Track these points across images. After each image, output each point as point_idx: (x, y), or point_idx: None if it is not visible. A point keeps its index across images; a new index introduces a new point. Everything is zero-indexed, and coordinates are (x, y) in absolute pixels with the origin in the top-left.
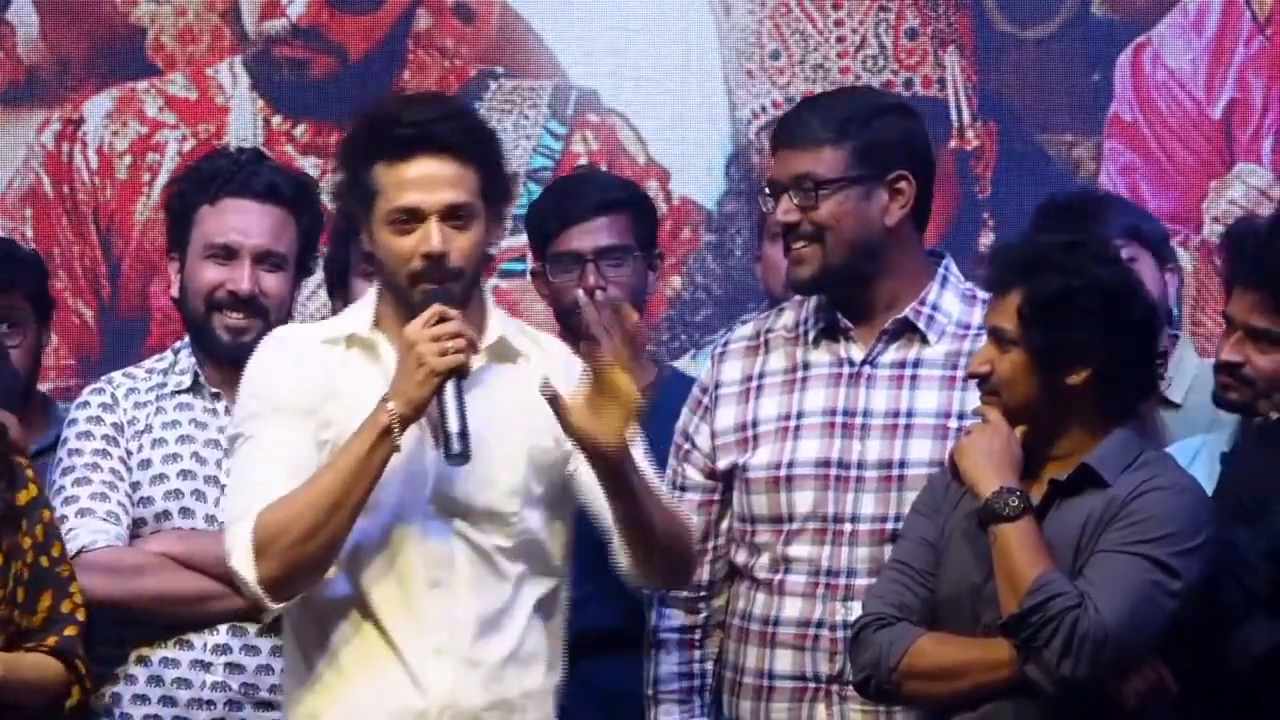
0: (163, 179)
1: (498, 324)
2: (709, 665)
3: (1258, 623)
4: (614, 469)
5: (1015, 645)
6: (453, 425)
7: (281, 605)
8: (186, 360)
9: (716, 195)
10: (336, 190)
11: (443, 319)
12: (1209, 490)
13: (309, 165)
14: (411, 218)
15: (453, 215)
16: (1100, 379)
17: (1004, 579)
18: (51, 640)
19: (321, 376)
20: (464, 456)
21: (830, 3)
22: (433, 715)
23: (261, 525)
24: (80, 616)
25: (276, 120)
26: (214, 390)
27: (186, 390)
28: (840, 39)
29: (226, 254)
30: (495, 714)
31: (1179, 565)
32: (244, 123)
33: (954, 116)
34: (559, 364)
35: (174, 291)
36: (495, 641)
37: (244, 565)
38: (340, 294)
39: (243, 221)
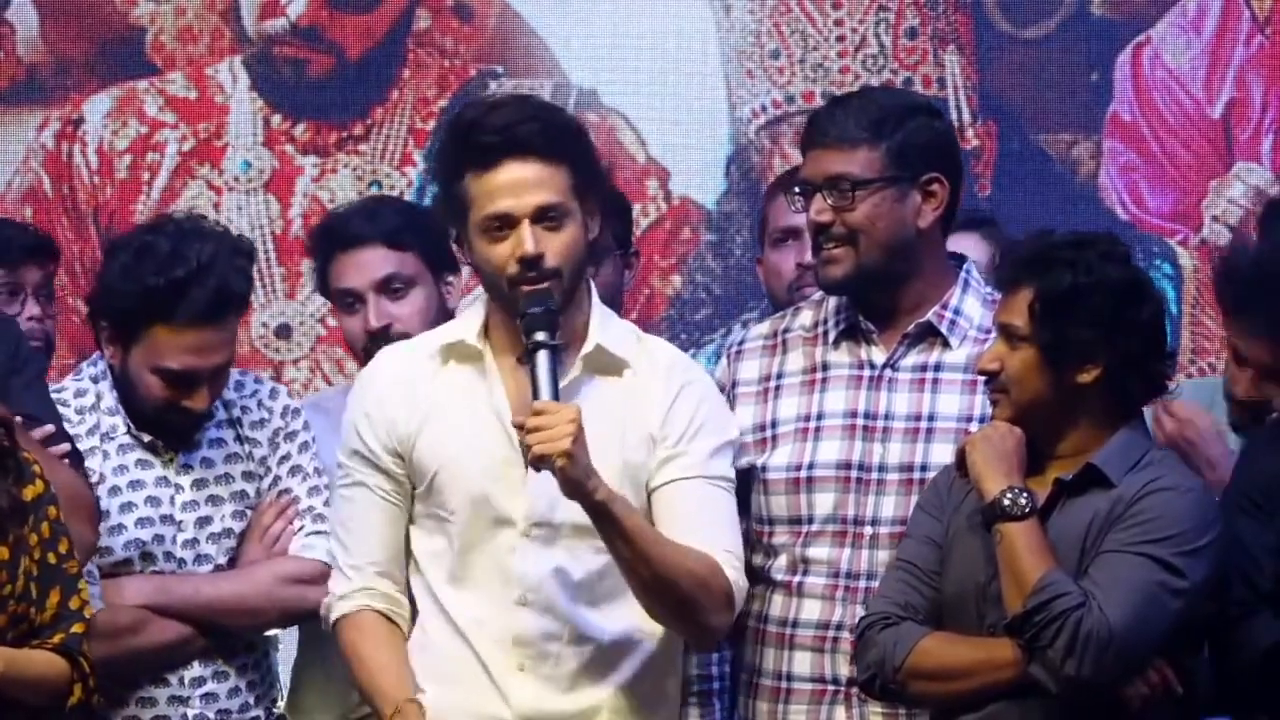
0: (163, 179)
1: (598, 329)
2: (727, 667)
3: (1263, 619)
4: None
5: (1020, 645)
6: (544, 394)
7: None
8: (110, 398)
9: (716, 194)
10: (434, 206)
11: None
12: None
13: (309, 164)
14: (504, 224)
15: (545, 216)
16: (1109, 377)
17: (1009, 579)
18: (57, 637)
19: (420, 403)
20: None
21: (830, 2)
22: None
23: (348, 631)
24: (87, 614)
25: (276, 120)
26: (149, 439)
27: (124, 432)
28: (840, 38)
29: (178, 378)
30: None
31: (1184, 566)
32: (243, 122)
33: (954, 116)
34: (663, 375)
35: (113, 360)
36: (587, 654)
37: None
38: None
39: (195, 351)
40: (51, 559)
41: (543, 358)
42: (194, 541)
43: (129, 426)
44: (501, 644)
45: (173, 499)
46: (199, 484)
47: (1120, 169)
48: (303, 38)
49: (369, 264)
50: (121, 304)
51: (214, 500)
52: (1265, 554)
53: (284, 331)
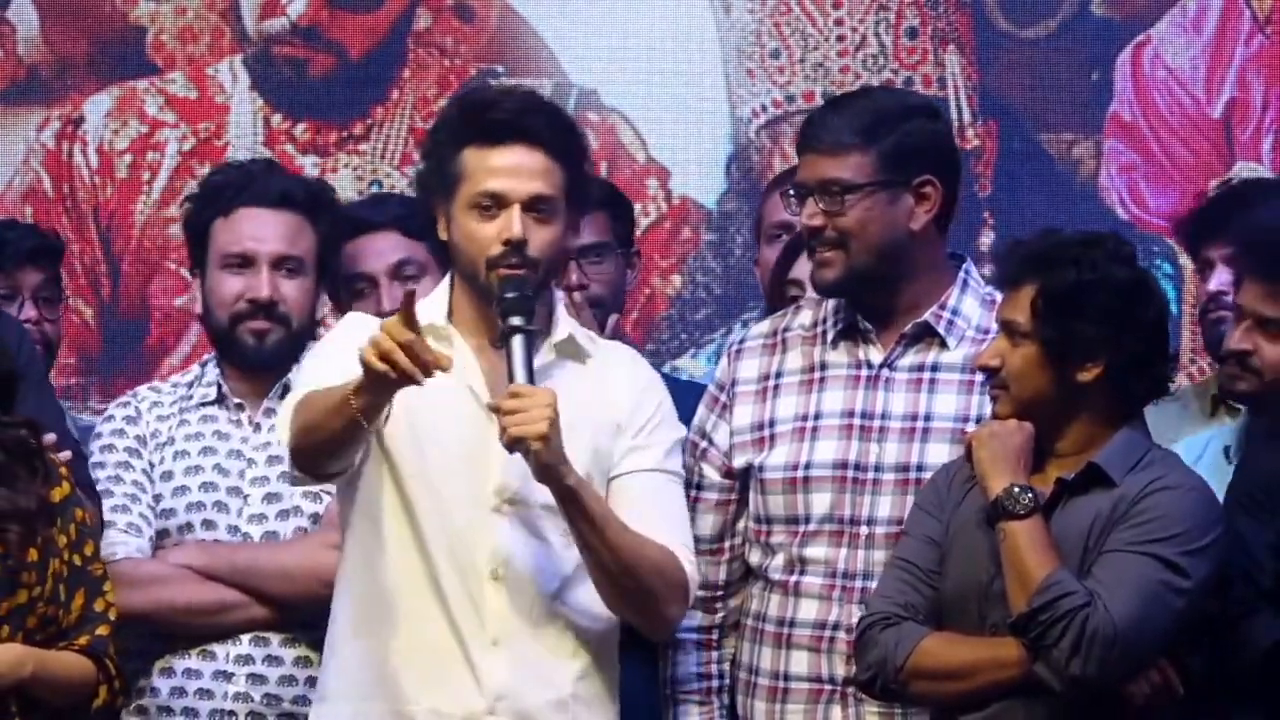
0: (163, 178)
1: (564, 322)
2: (726, 666)
3: (1263, 617)
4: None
5: (1024, 644)
6: (519, 377)
7: (303, 480)
8: (212, 373)
9: (716, 194)
10: (418, 175)
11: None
12: (1216, 487)
13: (309, 164)
14: (495, 203)
15: (536, 207)
16: (1111, 376)
17: (1013, 577)
18: (83, 639)
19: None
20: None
21: (830, 2)
22: (486, 706)
23: (300, 398)
24: (112, 616)
25: (276, 119)
26: (238, 401)
27: (211, 402)
28: (840, 38)
29: (243, 262)
30: (550, 709)
31: (1188, 565)
32: (244, 122)
33: (954, 116)
34: (627, 368)
35: (198, 308)
36: (552, 638)
37: (281, 428)
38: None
39: (256, 228)
40: (77, 561)
41: (518, 341)
42: (261, 517)
43: (221, 387)
44: (476, 619)
45: (242, 473)
46: (273, 460)
47: (1121, 168)
48: (303, 37)
49: (384, 248)
50: (193, 209)
51: (286, 477)
52: (1266, 552)
53: None
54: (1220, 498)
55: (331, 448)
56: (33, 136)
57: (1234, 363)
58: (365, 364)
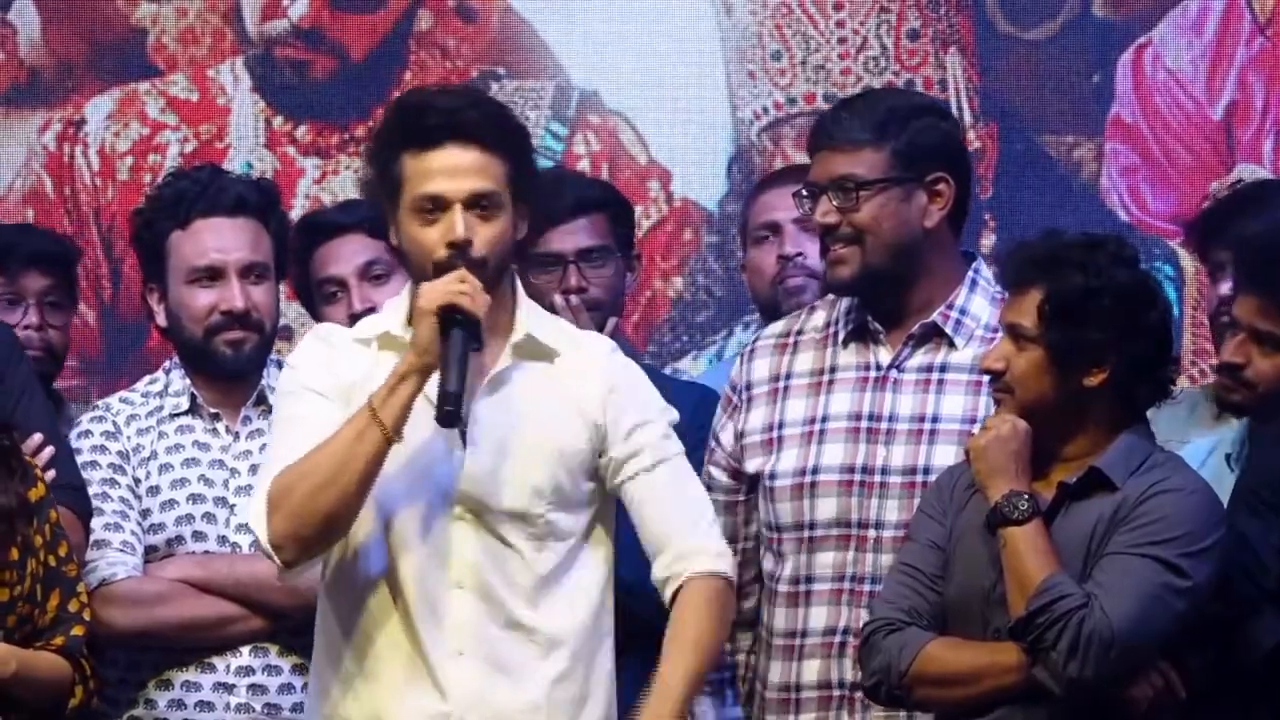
0: None
1: (526, 320)
2: (740, 658)
3: (1267, 618)
4: None
5: (1023, 648)
6: (449, 384)
7: (292, 571)
8: (180, 382)
9: (718, 196)
10: (365, 185)
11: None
12: (1219, 494)
13: (310, 166)
14: (436, 206)
15: (477, 204)
16: (1116, 381)
17: (1013, 582)
18: (59, 640)
19: (352, 375)
20: (454, 417)
21: (832, 3)
22: (456, 717)
23: (276, 482)
24: (87, 617)
25: (278, 121)
26: (213, 411)
27: (185, 412)
28: (842, 40)
29: (212, 275)
30: (523, 712)
31: (1189, 567)
32: (245, 124)
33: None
34: (599, 363)
35: (161, 321)
36: (522, 643)
37: (258, 523)
38: (313, 314)
39: (219, 240)
40: (52, 561)
41: (455, 349)
42: (249, 526)
43: (193, 398)
44: (439, 629)
45: (227, 483)
46: (257, 469)
47: (1122, 171)
48: (304, 39)
49: (351, 251)
50: (146, 222)
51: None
52: (1271, 553)
53: (284, 333)
54: (1224, 504)
55: (356, 503)
56: (34, 139)
57: (1227, 374)
58: (427, 309)
